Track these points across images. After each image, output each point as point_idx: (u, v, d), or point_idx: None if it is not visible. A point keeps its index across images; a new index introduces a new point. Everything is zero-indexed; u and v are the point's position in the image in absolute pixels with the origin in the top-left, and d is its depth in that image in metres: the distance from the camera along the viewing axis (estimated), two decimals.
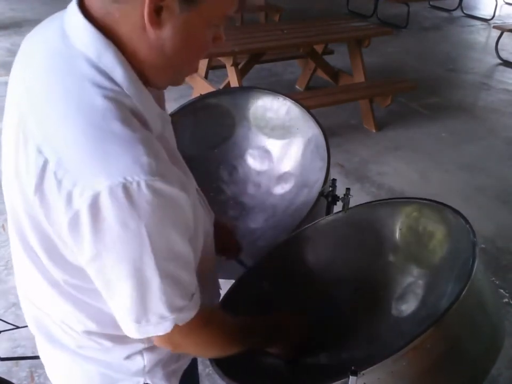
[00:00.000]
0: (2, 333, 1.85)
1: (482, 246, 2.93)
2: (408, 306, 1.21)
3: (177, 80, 0.85)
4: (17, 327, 1.87)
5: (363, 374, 0.84)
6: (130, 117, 0.71)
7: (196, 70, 0.86)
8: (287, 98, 1.69)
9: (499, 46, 6.27)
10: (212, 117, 1.73)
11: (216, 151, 1.74)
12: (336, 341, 1.25)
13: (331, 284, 1.36)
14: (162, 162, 0.72)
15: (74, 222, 0.69)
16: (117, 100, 0.71)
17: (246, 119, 1.74)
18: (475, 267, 0.93)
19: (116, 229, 0.69)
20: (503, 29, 6.13)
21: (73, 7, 0.75)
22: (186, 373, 1.07)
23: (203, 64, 4.21)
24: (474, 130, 4.45)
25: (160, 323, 0.79)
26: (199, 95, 1.77)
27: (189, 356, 1.07)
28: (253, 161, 1.74)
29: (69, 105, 0.70)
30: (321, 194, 1.45)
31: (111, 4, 0.71)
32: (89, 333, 0.90)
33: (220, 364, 1.04)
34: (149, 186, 0.68)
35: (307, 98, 3.87)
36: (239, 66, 4.02)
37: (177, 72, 0.82)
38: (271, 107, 1.72)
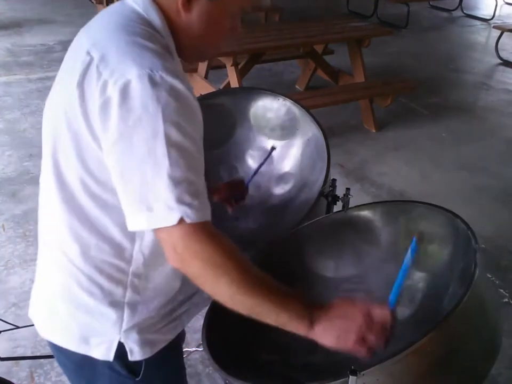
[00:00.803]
0: (2, 333, 1.85)
1: (482, 246, 2.93)
2: (406, 309, 1.21)
3: (201, 58, 1.09)
4: (17, 327, 1.87)
5: (363, 374, 0.84)
6: (161, 46, 0.90)
7: (217, 52, 1.09)
8: (287, 98, 1.69)
9: (499, 46, 6.27)
10: (212, 117, 1.73)
11: (216, 152, 1.74)
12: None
13: (329, 284, 1.36)
14: (181, 72, 0.91)
15: (105, 106, 0.84)
16: (153, 34, 0.91)
17: (246, 120, 1.75)
18: (476, 273, 0.93)
19: (138, 110, 0.82)
20: (503, 29, 6.13)
21: None
22: (168, 355, 1.10)
23: (203, 64, 4.21)
24: (474, 130, 4.45)
25: (168, 214, 0.83)
26: (199, 95, 1.77)
27: (170, 330, 1.10)
28: (253, 162, 1.74)
29: (117, 27, 0.91)
30: (321, 194, 1.46)
31: None
32: (85, 257, 0.97)
33: (220, 363, 1.04)
34: (169, 81, 0.84)
35: (307, 98, 3.87)
36: (239, 66, 4.02)
37: (200, 49, 1.02)
38: (271, 107, 1.72)
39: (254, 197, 1.71)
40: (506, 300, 2.61)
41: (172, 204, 0.83)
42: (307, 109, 1.66)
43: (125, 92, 0.83)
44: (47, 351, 1.15)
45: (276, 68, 5.53)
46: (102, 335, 1.02)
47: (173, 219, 0.83)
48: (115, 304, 1.00)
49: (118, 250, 0.98)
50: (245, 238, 1.63)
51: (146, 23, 0.92)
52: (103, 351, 1.02)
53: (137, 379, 1.06)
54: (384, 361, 0.84)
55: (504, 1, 9.11)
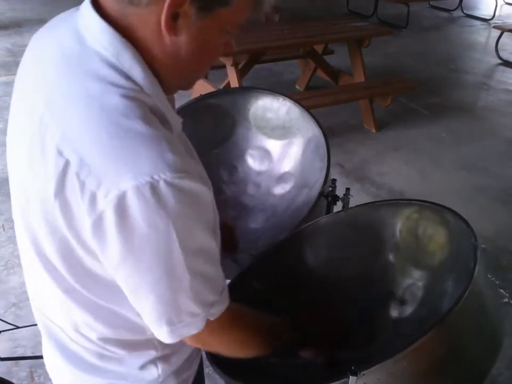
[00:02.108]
0: (2, 333, 1.85)
1: (483, 246, 2.93)
2: (407, 308, 1.21)
3: (188, 84, 0.85)
4: (17, 327, 1.87)
5: (363, 374, 0.84)
6: (151, 115, 0.70)
7: (205, 74, 0.89)
8: (287, 98, 1.69)
9: (499, 46, 6.27)
10: (212, 117, 1.73)
11: (216, 151, 1.74)
12: (335, 341, 1.25)
13: (330, 284, 1.36)
14: (185, 159, 0.71)
15: (98, 225, 0.67)
16: (137, 99, 0.70)
17: (246, 119, 1.74)
18: (476, 271, 0.93)
19: (144, 230, 0.67)
20: (503, 29, 6.13)
21: (87, 7, 0.74)
22: (195, 378, 1.07)
23: None
24: (474, 130, 4.45)
25: (193, 322, 0.79)
26: (199, 95, 1.77)
27: (198, 359, 1.07)
28: (252, 162, 1.74)
29: (90, 105, 0.69)
30: (321, 194, 1.45)
31: (128, 6, 0.70)
32: (103, 340, 0.88)
33: (219, 363, 1.04)
34: (175, 183, 0.67)
35: (307, 98, 3.87)
36: (239, 66, 4.02)
37: (189, 76, 0.83)
38: (271, 107, 1.71)
39: (254, 197, 1.71)
40: (506, 300, 2.61)
41: (196, 311, 0.78)
42: (307, 109, 1.66)
43: (120, 209, 0.65)
44: None
45: (276, 68, 5.53)
46: None
47: (199, 326, 0.79)
48: (148, 364, 0.93)
49: (139, 329, 0.87)
50: (245, 238, 1.63)
51: (123, 77, 0.71)
52: None
53: None
54: (384, 360, 0.84)
55: (504, 1, 9.11)
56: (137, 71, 0.72)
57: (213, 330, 0.84)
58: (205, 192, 0.73)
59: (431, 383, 0.92)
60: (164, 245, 0.69)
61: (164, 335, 0.79)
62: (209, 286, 0.79)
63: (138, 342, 0.89)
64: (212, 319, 0.81)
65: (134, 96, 0.70)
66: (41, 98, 0.74)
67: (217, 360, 1.04)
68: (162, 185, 0.66)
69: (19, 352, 2.18)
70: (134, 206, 0.65)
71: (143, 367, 0.93)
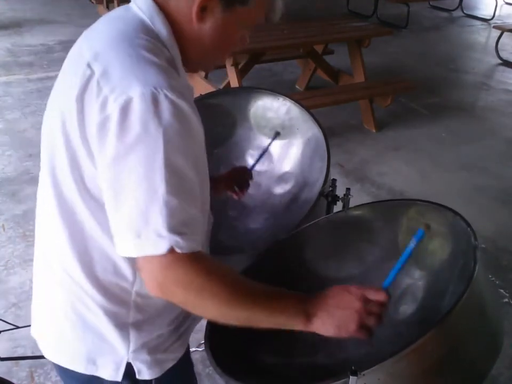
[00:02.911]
0: (2, 333, 1.85)
1: (482, 246, 2.93)
2: (407, 308, 1.21)
3: (207, 67, 1.05)
4: (17, 327, 1.87)
5: (363, 374, 0.84)
6: (166, 60, 0.87)
7: (223, 61, 1.07)
8: (287, 98, 1.69)
9: (499, 46, 6.27)
10: (212, 117, 1.73)
11: (216, 151, 1.74)
12: (335, 341, 1.25)
13: (330, 284, 1.36)
14: (186, 90, 0.87)
15: (103, 124, 0.80)
16: (159, 47, 0.88)
17: (246, 119, 1.75)
18: (476, 270, 0.93)
19: (137, 130, 0.79)
20: (503, 29, 6.13)
21: None
22: (176, 370, 1.07)
23: None
24: (474, 130, 4.45)
25: (157, 242, 0.79)
26: (199, 95, 1.77)
27: (178, 348, 1.07)
28: (253, 161, 1.74)
29: (121, 38, 0.87)
30: (321, 194, 1.45)
31: None
32: (88, 279, 0.93)
33: (220, 363, 1.04)
34: (173, 99, 0.80)
35: (307, 98, 3.87)
36: (239, 66, 4.01)
37: (208, 59, 1.01)
38: (271, 107, 1.72)
39: (254, 197, 1.71)
40: (506, 300, 2.61)
41: (163, 232, 0.79)
42: (307, 108, 1.66)
43: (125, 110, 0.79)
44: None
45: (276, 68, 5.53)
46: (109, 355, 0.99)
47: (162, 248, 0.80)
48: (120, 325, 0.97)
49: (121, 269, 0.94)
50: (245, 238, 1.63)
51: (151, 33, 0.89)
52: (111, 372, 0.99)
53: None
54: (384, 360, 0.84)
55: (504, 1, 9.11)
56: (164, 32, 0.90)
57: (170, 264, 0.81)
58: (196, 122, 0.86)
59: (431, 383, 0.92)
60: (150, 149, 0.79)
61: (129, 247, 0.82)
62: (181, 213, 0.81)
63: (116, 293, 0.95)
64: (177, 251, 0.80)
65: (157, 44, 0.88)
66: (86, 46, 0.91)
67: (218, 360, 1.04)
68: (162, 97, 0.79)
69: (19, 352, 2.17)
70: (136, 109, 0.79)
71: (115, 326, 0.96)
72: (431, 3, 8.68)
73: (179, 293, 0.84)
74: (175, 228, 0.80)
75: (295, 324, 0.91)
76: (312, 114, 1.63)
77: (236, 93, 1.86)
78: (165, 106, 0.79)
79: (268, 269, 1.37)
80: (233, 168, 1.54)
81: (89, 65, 0.85)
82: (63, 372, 1.05)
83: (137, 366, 1.00)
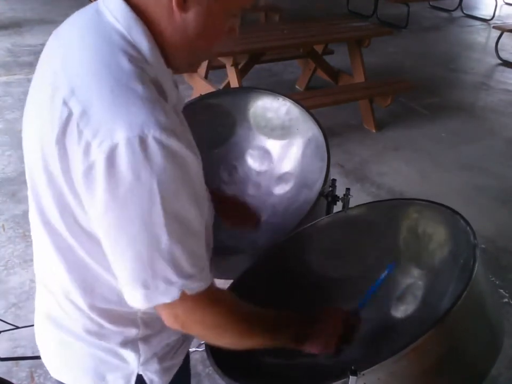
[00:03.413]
0: (2, 333, 1.85)
1: (482, 246, 2.93)
2: (407, 307, 1.21)
3: (194, 63, 0.94)
4: (17, 327, 1.88)
5: (363, 374, 0.84)
6: (150, 84, 0.78)
7: (210, 56, 0.97)
8: (287, 98, 1.69)
9: (499, 46, 6.27)
10: (212, 117, 1.73)
11: (216, 151, 1.74)
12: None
13: (330, 284, 1.36)
14: (175, 124, 0.78)
15: (88, 172, 0.73)
16: (141, 67, 0.78)
17: (246, 120, 1.74)
18: (475, 269, 0.93)
19: (128, 180, 0.72)
20: (503, 29, 6.13)
21: None
22: (178, 371, 1.07)
23: (203, 64, 4.21)
24: (474, 130, 4.45)
25: (168, 290, 0.79)
26: (199, 95, 1.77)
27: (183, 351, 1.08)
28: (253, 162, 1.74)
29: (100, 64, 0.77)
30: (321, 194, 1.45)
31: None
32: (91, 308, 0.91)
33: (220, 364, 1.04)
34: (163, 141, 0.72)
35: (307, 98, 3.87)
36: (239, 66, 4.01)
37: (195, 54, 0.90)
38: (271, 107, 1.71)
39: (254, 197, 1.71)
40: (506, 299, 2.61)
41: (172, 278, 0.78)
42: (307, 109, 1.66)
43: (111, 159, 0.71)
44: None
45: (276, 68, 5.53)
46: (119, 370, 0.98)
47: (174, 294, 0.80)
48: (129, 342, 0.96)
49: (124, 299, 0.89)
50: (245, 238, 1.63)
51: (130, 47, 0.79)
52: None
53: None
54: (384, 360, 0.84)
55: (504, 1, 9.11)
56: (144, 44, 0.80)
57: (188, 307, 0.83)
58: (191, 158, 0.78)
59: (431, 383, 0.92)
60: (146, 199, 0.73)
61: (137, 298, 0.80)
62: (187, 256, 0.79)
63: (122, 315, 0.92)
64: (188, 293, 0.81)
65: (138, 64, 0.78)
66: (58, 59, 0.83)
67: (218, 361, 1.04)
68: (150, 140, 0.72)
69: (19, 352, 2.17)
70: (123, 157, 0.71)
71: (125, 344, 0.95)
72: (431, 3, 8.68)
73: (199, 329, 0.89)
74: (184, 273, 0.79)
75: (290, 344, 1.01)
76: (312, 115, 1.63)
77: (236, 93, 1.86)
78: (155, 150, 0.72)
79: (267, 269, 1.38)
80: (238, 204, 1.43)
81: (65, 103, 0.76)
82: None
83: (148, 376, 0.99)
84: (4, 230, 2.93)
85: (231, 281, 1.38)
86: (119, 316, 0.93)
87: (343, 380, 0.85)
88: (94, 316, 0.92)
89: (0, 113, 4.34)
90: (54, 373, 1.04)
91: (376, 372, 0.85)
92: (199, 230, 0.83)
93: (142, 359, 0.98)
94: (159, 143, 0.72)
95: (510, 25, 6.37)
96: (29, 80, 5.17)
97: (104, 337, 0.95)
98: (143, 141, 0.71)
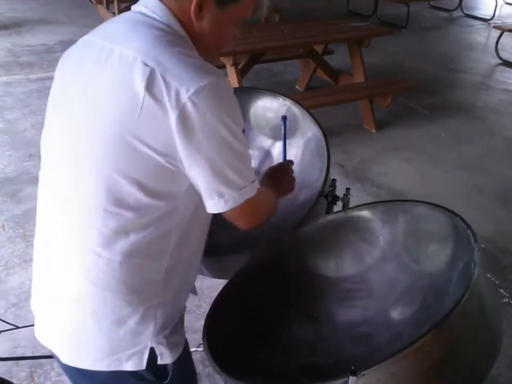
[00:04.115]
0: (2, 333, 1.85)
1: (482, 246, 2.93)
2: (407, 309, 1.21)
3: (211, 59, 1.09)
4: (17, 327, 1.87)
5: (363, 374, 0.84)
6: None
7: (221, 54, 1.14)
8: (287, 98, 1.69)
9: (499, 46, 6.27)
10: None
11: None
12: (334, 341, 1.25)
13: (329, 284, 1.36)
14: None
15: (182, 116, 0.87)
16: (191, 48, 0.99)
17: (246, 120, 1.74)
18: (476, 272, 0.93)
19: (212, 113, 0.89)
20: (503, 29, 6.13)
21: None
22: (184, 353, 1.12)
23: None
24: (474, 130, 4.45)
25: (243, 193, 0.98)
26: None
27: (183, 330, 1.15)
28: (253, 162, 1.74)
29: (157, 39, 0.94)
30: (321, 194, 1.45)
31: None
32: (126, 255, 0.96)
33: (220, 363, 1.04)
34: (228, 86, 0.95)
35: (307, 98, 3.87)
36: (239, 66, 4.01)
37: (211, 51, 1.08)
38: (271, 107, 1.72)
39: None
40: (506, 299, 2.61)
41: (243, 184, 0.97)
42: (307, 109, 1.66)
43: (199, 98, 0.88)
44: (47, 351, 1.13)
45: (276, 68, 5.53)
46: (134, 346, 1.02)
47: (250, 193, 0.99)
48: (150, 305, 1.02)
49: (155, 246, 1.00)
50: (245, 238, 1.63)
51: (176, 34, 0.97)
52: (136, 362, 1.03)
53: (165, 383, 1.07)
54: (384, 360, 0.84)
55: (504, 1, 9.11)
56: (184, 34, 0.99)
57: (255, 203, 1.03)
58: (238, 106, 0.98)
59: (431, 383, 0.92)
60: (221, 123, 0.91)
61: (221, 205, 0.97)
62: (247, 170, 0.99)
63: (149, 268, 1.01)
64: (253, 194, 1.00)
65: (185, 43, 0.98)
66: (122, 47, 0.94)
67: (218, 360, 1.04)
68: (222, 83, 0.93)
69: (19, 352, 2.17)
70: (208, 94, 0.89)
71: (147, 309, 1.01)
72: (431, 3, 8.69)
73: (261, 215, 1.11)
74: (249, 178, 0.99)
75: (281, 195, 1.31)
76: (312, 115, 1.63)
77: (236, 93, 1.85)
78: (225, 90, 0.93)
79: (267, 269, 1.38)
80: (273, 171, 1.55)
81: (146, 64, 0.89)
82: (81, 374, 1.04)
83: (159, 349, 1.04)
84: (3, 230, 2.93)
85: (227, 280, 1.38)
86: (146, 272, 1.00)
87: (343, 380, 0.85)
88: (122, 271, 0.97)
89: (0, 113, 4.34)
90: (69, 360, 1.05)
91: (376, 372, 0.85)
92: (249, 157, 1.02)
93: (157, 326, 1.03)
94: (227, 84, 0.94)
95: (510, 25, 6.37)
96: (29, 80, 5.17)
97: (130, 303, 0.99)
98: (218, 84, 0.91)
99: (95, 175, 0.94)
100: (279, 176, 1.37)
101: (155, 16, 0.98)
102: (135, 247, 0.97)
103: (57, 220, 1.02)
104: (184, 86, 0.88)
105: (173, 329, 1.09)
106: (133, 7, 1.03)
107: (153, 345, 1.04)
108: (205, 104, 0.89)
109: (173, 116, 0.88)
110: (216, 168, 0.93)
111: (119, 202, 0.93)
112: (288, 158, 1.72)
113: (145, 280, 1.01)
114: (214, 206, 0.98)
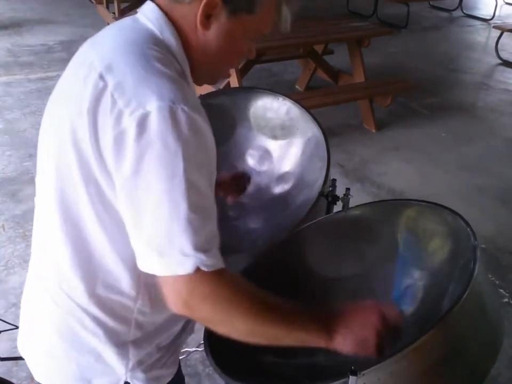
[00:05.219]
0: (2, 333, 1.84)
1: (482, 246, 2.93)
2: (407, 308, 1.21)
3: (212, 79, 1.01)
4: (17, 327, 1.87)
5: (363, 374, 0.84)
6: (176, 72, 0.85)
7: (228, 75, 1.01)
8: (287, 98, 1.69)
9: (499, 46, 6.27)
10: (212, 117, 1.71)
11: (216, 151, 1.74)
12: None
13: (329, 284, 1.36)
14: (201, 107, 0.85)
15: (119, 138, 0.78)
16: (170, 60, 0.86)
17: (246, 119, 1.74)
18: (476, 270, 0.93)
19: (157, 146, 0.76)
20: (503, 29, 6.13)
21: (147, 1, 0.91)
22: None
23: None
24: (474, 130, 4.46)
25: (183, 261, 0.78)
26: (199, 95, 1.77)
27: (173, 362, 1.05)
28: (253, 162, 1.74)
29: (133, 50, 0.84)
30: (321, 194, 1.45)
31: (174, 3, 0.88)
32: (91, 295, 0.90)
33: (220, 363, 1.03)
34: (190, 114, 0.79)
35: (307, 98, 3.87)
36: (239, 66, 4.02)
37: (214, 70, 0.98)
38: (271, 107, 1.71)
39: (254, 197, 1.71)
40: (506, 299, 2.61)
41: (188, 250, 0.78)
42: (307, 108, 1.66)
43: (142, 125, 0.76)
44: None
45: (276, 68, 5.53)
46: (106, 375, 0.96)
47: (189, 267, 0.78)
48: (120, 343, 0.94)
49: (125, 287, 0.91)
50: (245, 238, 1.63)
51: (162, 44, 0.87)
52: None
53: None
54: (384, 360, 0.84)
55: (504, 1, 9.11)
56: (173, 43, 0.88)
57: (199, 281, 0.80)
58: (211, 136, 0.85)
59: (431, 383, 0.92)
60: (170, 166, 0.77)
61: (153, 264, 0.80)
62: (203, 230, 0.80)
63: (119, 308, 0.91)
64: (203, 269, 0.79)
65: (169, 57, 0.86)
66: (91, 51, 0.89)
67: (218, 360, 1.04)
68: (180, 112, 0.78)
69: (19, 352, 2.17)
70: (154, 124, 0.76)
71: (114, 345, 0.93)
72: (431, 3, 8.69)
73: (206, 309, 0.84)
74: (200, 245, 0.79)
75: (317, 340, 0.90)
76: (312, 115, 1.63)
77: (236, 93, 1.86)
78: (183, 121, 0.77)
79: (267, 269, 1.37)
80: (234, 172, 1.54)
81: (101, 77, 0.82)
82: None
83: None
84: (4, 230, 2.93)
85: None
86: (115, 310, 0.92)
87: (343, 380, 0.85)
88: (90, 305, 0.91)
89: (0, 113, 4.34)
90: (39, 378, 1.03)
91: (376, 372, 0.85)
92: (213, 207, 0.84)
93: (130, 364, 0.95)
94: (186, 115, 0.78)
95: (510, 25, 6.38)
96: (29, 80, 5.18)
97: (95, 334, 0.93)
98: (172, 111, 0.77)
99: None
100: (354, 315, 0.95)
101: (147, 23, 0.89)
102: (105, 278, 0.90)
103: (42, 228, 0.99)
104: (129, 107, 0.77)
105: (156, 363, 1.00)
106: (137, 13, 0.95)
107: (128, 380, 0.96)
108: (151, 132, 0.76)
109: (111, 134, 0.78)
110: (156, 212, 0.78)
111: (76, 224, 0.88)
112: (288, 158, 1.72)
113: (115, 315, 0.93)
114: (149, 264, 0.82)
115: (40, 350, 1.02)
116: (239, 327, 0.87)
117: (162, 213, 0.78)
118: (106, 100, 0.80)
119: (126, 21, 0.93)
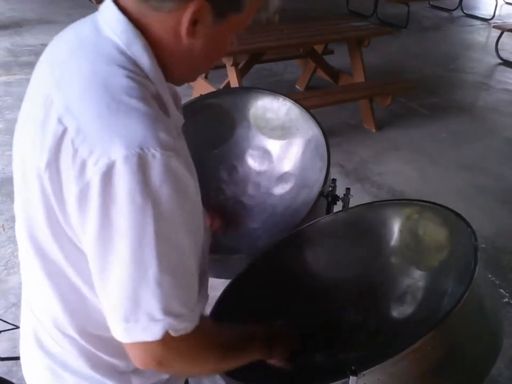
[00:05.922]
0: (2, 333, 1.85)
1: (482, 246, 2.93)
2: (407, 308, 1.21)
3: (194, 78, 0.92)
4: (17, 327, 1.87)
5: (363, 374, 0.84)
6: (152, 99, 0.74)
7: (205, 74, 0.95)
8: (287, 98, 1.69)
9: (499, 46, 6.27)
10: (212, 117, 1.73)
11: (216, 151, 1.74)
12: (335, 341, 1.25)
13: (330, 284, 1.36)
14: (177, 143, 0.73)
15: (83, 193, 0.69)
16: (141, 82, 0.74)
17: (246, 119, 1.74)
18: (476, 271, 0.93)
19: (123, 202, 0.67)
20: (503, 29, 6.13)
21: (107, 2, 0.79)
22: None
23: None
24: (474, 130, 4.45)
25: (150, 326, 0.72)
26: (199, 95, 1.77)
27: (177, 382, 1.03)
28: (253, 162, 1.74)
29: (95, 81, 0.72)
30: (321, 194, 1.45)
31: (150, 10, 0.75)
32: (82, 334, 0.86)
33: None
34: (162, 160, 0.68)
35: (307, 98, 3.87)
36: (239, 66, 4.01)
37: (197, 70, 0.90)
38: (271, 107, 1.71)
39: (254, 197, 1.71)
40: (506, 299, 2.61)
41: (157, 315, 0.72)
42: (307, 109, 1.66)
43: (107, 177, 0.67)
44: None
45: (276, 68, 5.53)
46: None
47: (156, 333, 0.73)
48: (121, 374, 0.90)
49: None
50: (245, 238, 1.63)
51: (130, 63, 0.75)
52: None
53: None
54: (384, 360, 0.84)
55: (504, 1, 9.11)
56: (145, 60, 0.76)
57: (169, 348, 0.76)
58: (189, 180, 0.74)
59: (431, 383, 0.92)
60: (138, 224, 0.68)
61: (118, 331, 0.75)
62: (177, 293, 0.74)
63: (113, 343, 0.81)
64: (172, 334, 0.74)
65: (138, 79, 0.74)
66: (51, 78, 0.78)
67: None
68: (150, 158, 0.67)
69: (19, 352, 2.17)
70: (120, 176, 0.67)
71: (115, 376, 0.89)
72: (431, 3, 8.69)
73: (177, 367, 0.84)
74: (171, 309, 0.73)
75: (258, 357, 1.03)
76: (312, 115, 1.63)
77: (236, 93, 1.86)
78: (154, 170, 0.67)
79: (267, 269, 1.37)
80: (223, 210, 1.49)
81: (60, 120, 0.72)
82: None
83: None
84: (4, 230, 2.93)
85: (230, 280, 1.38)
86: (110, 343, 0.83)
87: (343, 380, 0.85)
88: (84, 343, 0.86)
89: (0, 113, 4.34)
90: None
91: (376, 372, 0.85)
92: (192, 265, 0.78)
93: None
94: (158, 161, 0.67)
95: (510, 25, 6.37)
96: (29, 80, 5.21)
97: (94, 367, 0.88)
98: (141, 159, 0.67)
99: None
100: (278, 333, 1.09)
101: (112, 36, 0.76)
102: (95, 318, 0.84)
103: (27, 281, 0.96)
104: (93, 156, 0.67)
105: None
106: (96, 17, 0.81)
107: None
108: (116, 186, 0.67)
109: (75, 189, 0.69)
110: (121, 275, 0.71)
111: (58, 269, 0.82)
112: (288, 158, 1.72)
113: (110, 350, 0.87)
114: (114, 330, 0.75)
115: (43, 374, 0.96)
116: (205, 372, 0.96)
117: (128, 275, 0.70)
118: (67, 148, 0.70)
119: (86, 30, 0.80)
